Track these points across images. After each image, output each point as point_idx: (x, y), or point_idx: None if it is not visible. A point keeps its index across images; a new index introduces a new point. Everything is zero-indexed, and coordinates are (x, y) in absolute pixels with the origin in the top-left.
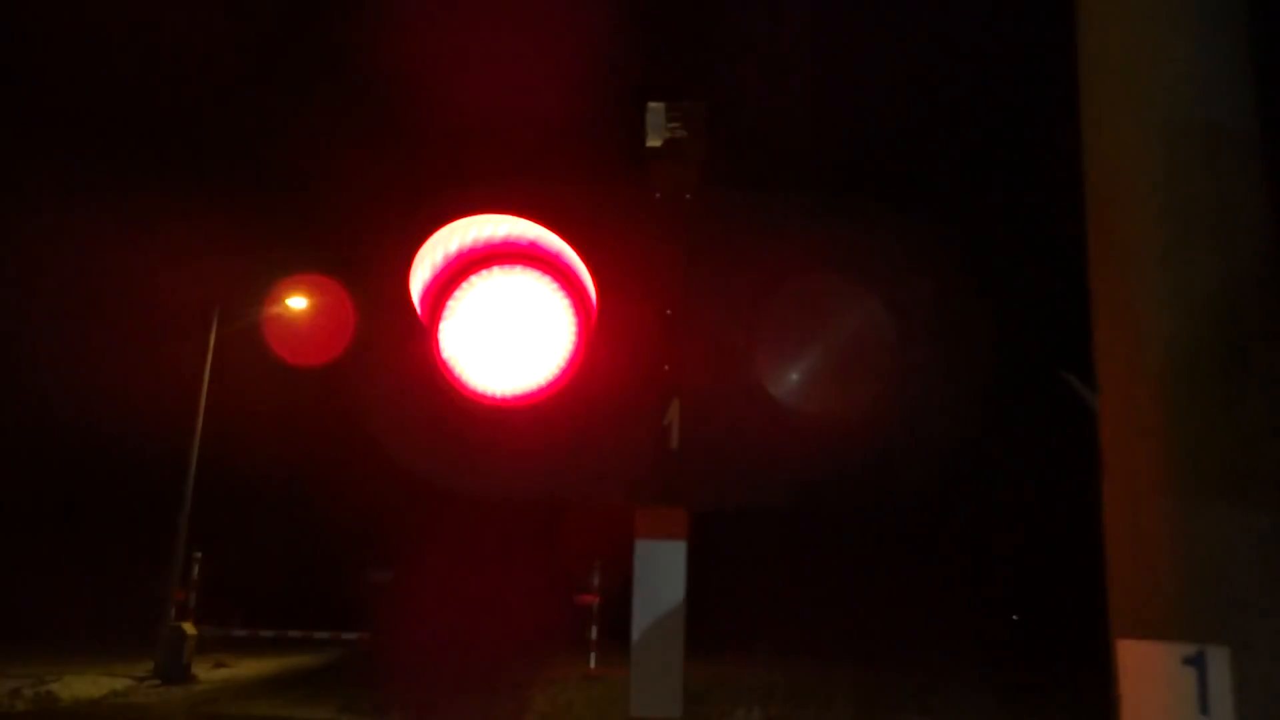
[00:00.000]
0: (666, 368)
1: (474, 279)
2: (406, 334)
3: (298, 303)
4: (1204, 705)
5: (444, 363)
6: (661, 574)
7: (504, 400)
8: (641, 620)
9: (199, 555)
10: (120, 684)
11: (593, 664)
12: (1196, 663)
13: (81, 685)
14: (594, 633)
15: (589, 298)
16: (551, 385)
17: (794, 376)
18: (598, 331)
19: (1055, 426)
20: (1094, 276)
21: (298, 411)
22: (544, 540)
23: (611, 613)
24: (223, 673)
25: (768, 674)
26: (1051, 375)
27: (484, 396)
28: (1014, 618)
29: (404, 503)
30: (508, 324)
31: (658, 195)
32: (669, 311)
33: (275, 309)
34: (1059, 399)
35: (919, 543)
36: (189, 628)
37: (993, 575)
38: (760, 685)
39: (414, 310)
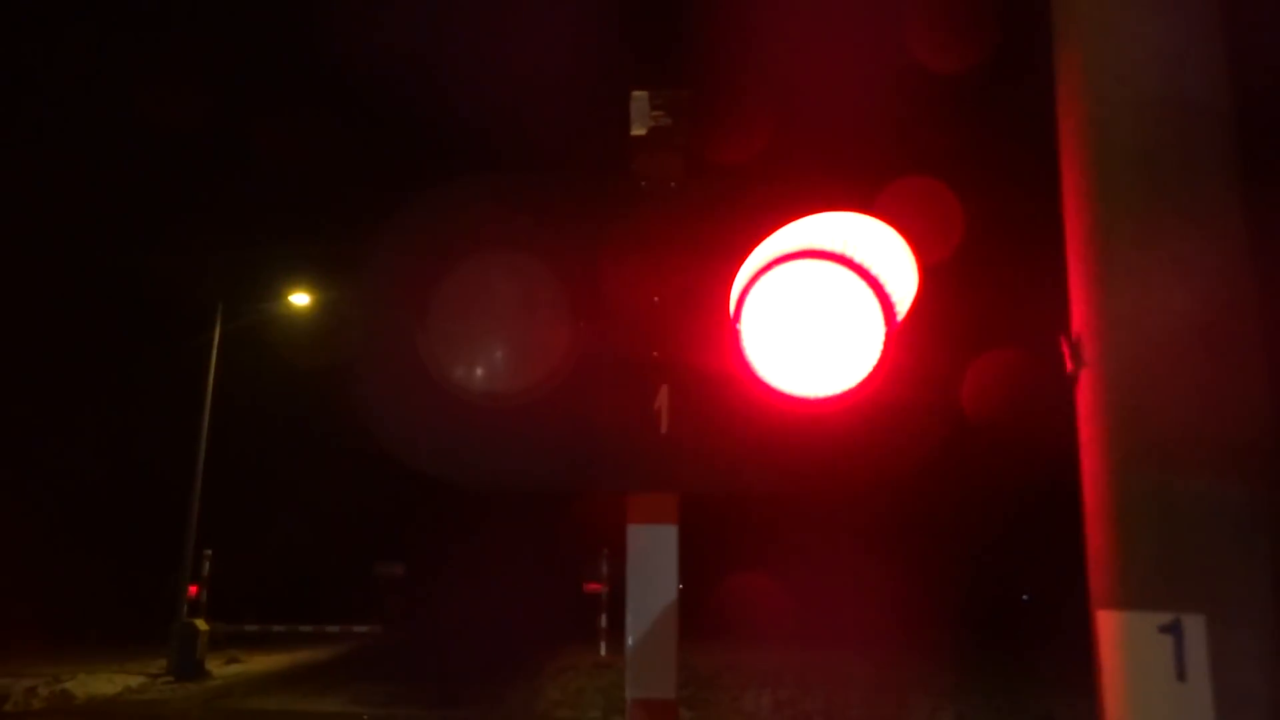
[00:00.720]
0: (655, 354)
1: (463, 269)
2: (399, 328)
3: (299, 299)
4: (1180, 672)
5: (436, 356)
6: (654, 559)
7: (495, 392)
8: (636, 604)
9: (209, 552)
10: (135, 681)
11: (603, 651)
12: (1173, 631)
13: (96, 683)
14: (604, 621)
15: (577, 286)
16: (542, 375)
17: (781, 359)
18: (587, 319)
19: (1047, 400)
20: (1070, 251)
21: (305, 406)
22: (552, 530)
23: (621, 600)
24: (236, 668)
25: (777, 658)
26: (1043, 344)
27: (476, 389)
28: (1024, 597)
29: (414, 496)
30: (497, 315)
31: (643, 183)
32: (656, 298)
33: (278, 305)
34: (1048, 370)
35: (924, 524)
36: (201, 624)
37: (999, 555)
38: (770, 669)
39: (405, 303)
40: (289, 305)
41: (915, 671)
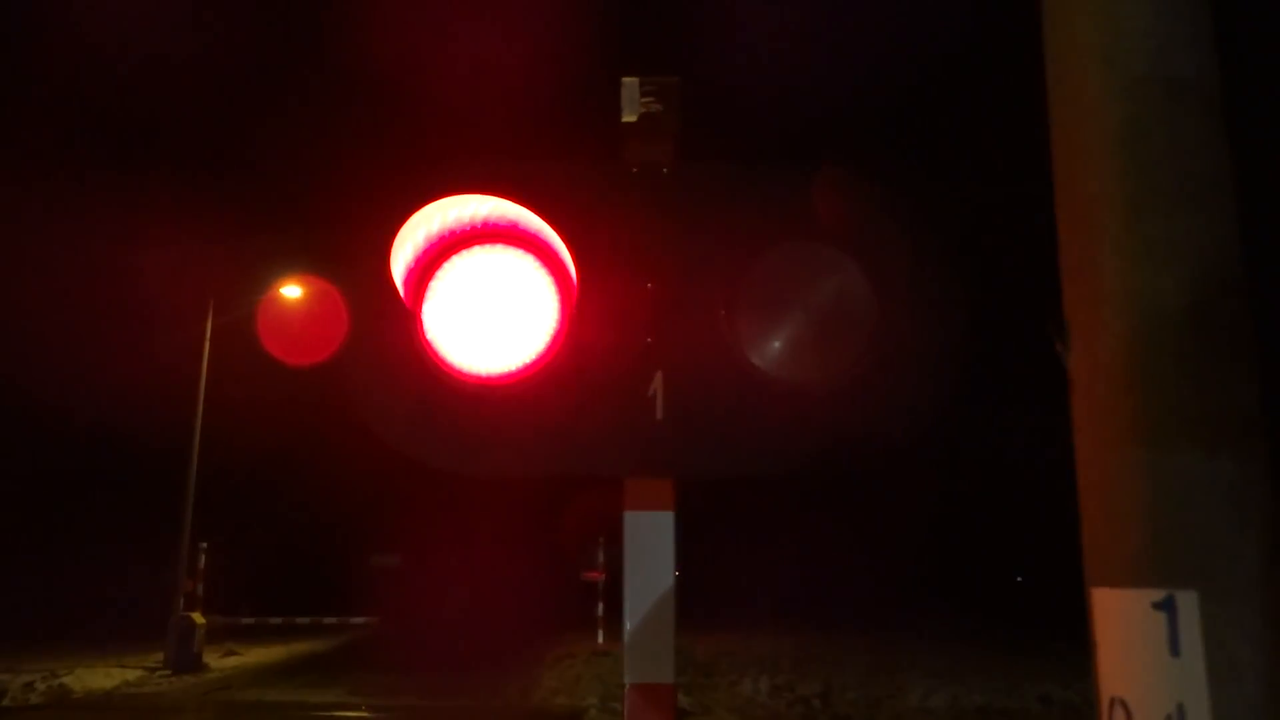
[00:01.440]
0: (649, 340)
1: (455, 259)
2: (391, 317)
3: (291, 291)
4: (1175, 648)
5: (428, 344)
6: (651, 544)
7: (489, 379)
8: (633, 590)
9: (205, 545)
10: (132, 675)
11: (600, 639)
12: (1166, 607)
13: (94, 677)
14: (601, 609)
15: (569, 274)
16: (536, 362)
17: (775, 345)
18: (580, 307)
19: (1039, 382)
20: (1062, 233)
21: (298, 398)
22: (548, 519)
23: (619, 588)
24: (233, 660)
25: (774, 644)
26: (1034, 328)
27: (469, 376)
28: (1018, 579)
29: (408, 486)
30: (490, 303)
31: (635, 170)
32: (650, 285)
33: (269, 297)
34: (1039, 354)
35: (916, 507)
36: (198, 617)
37: (993, 536)
38: (766, 655)
39: (396, 292)
40: (281, 298)
41: (910, 653)
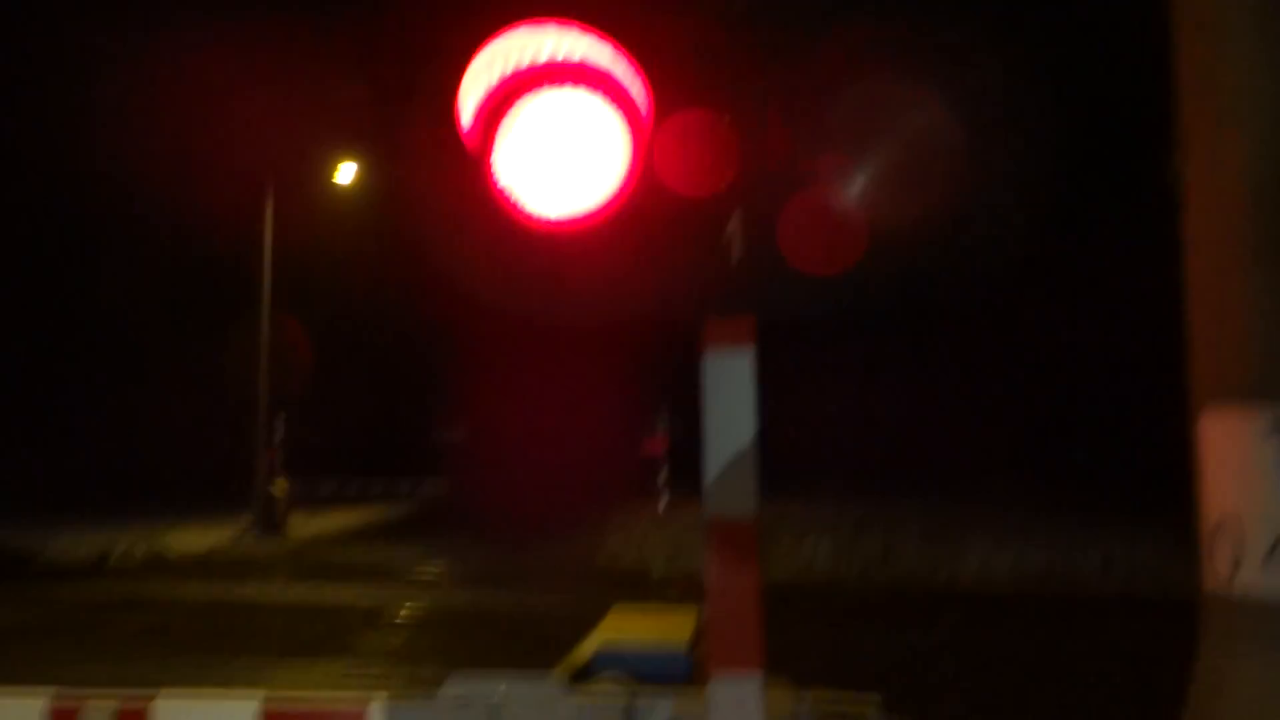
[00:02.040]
0: (727, 177)
1: (522, 102)
2: (459, 163)
3: (347, 169)
4: None
5: (499, 190)
6: (731, 381)
7: (563, 223)
8: (714, 428)
9: (283, 415)
10: (222, 538)
11: (662, 508)
12: (1278, 430)
13: (187, 540)
14: (663, 477)
15: (641, 111)
16: (610, 204)
17: (859, 180)
18: (653, 145)
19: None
20: (1180, 42)
21: (363, 265)
22: (613, 382)
23: (679, 459)
24: (314, 526)
25: (835, 508)
26: (1140, 159)
27: (542, 221)
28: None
29: (476, 352)
30: (561, 145)
31: None
32: (727, 118)
33: (329, 177)
34: (1135, 192)
35: (990, 359)
36: (280, 485)
37: (1067, 394)
38: (828, 518)
39: (462, 139)
40: (339, 178)
41: (974, 514)
